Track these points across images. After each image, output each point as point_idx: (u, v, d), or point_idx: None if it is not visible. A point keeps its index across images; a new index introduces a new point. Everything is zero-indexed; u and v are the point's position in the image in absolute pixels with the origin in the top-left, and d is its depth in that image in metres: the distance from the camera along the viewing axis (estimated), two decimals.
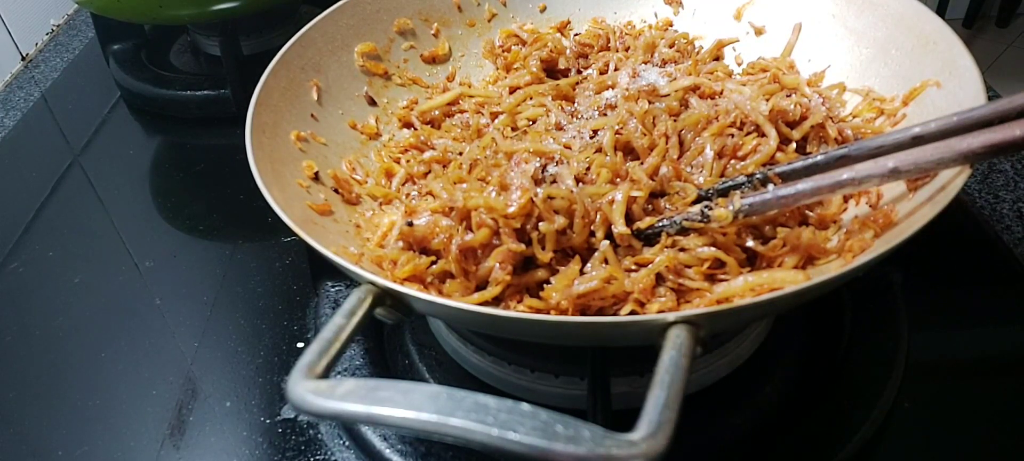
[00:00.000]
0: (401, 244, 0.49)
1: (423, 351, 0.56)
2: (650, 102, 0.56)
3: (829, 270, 0.45)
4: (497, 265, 0.46)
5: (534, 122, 0.60)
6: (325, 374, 0.34)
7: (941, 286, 0.59)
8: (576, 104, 0.61)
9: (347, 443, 0.51)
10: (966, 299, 0.58)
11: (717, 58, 0.66)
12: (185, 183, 0.79)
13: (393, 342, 0.58)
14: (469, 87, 0.69)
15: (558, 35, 0.70)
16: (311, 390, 0.33)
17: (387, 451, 0.49)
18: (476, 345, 0.52)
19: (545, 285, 0.46)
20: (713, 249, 0.46)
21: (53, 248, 0.71)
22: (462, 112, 0.64)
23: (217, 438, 0.53)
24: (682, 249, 0.47)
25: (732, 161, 0.52)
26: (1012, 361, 0.53)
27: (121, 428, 0.54)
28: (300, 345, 0.58)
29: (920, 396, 0.50)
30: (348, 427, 0.51)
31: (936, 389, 0.52)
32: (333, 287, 0.60)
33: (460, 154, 0.58)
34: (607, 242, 0.47)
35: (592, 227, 0.48)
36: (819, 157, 0.48)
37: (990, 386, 0.52)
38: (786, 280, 0.44)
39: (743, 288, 0.45)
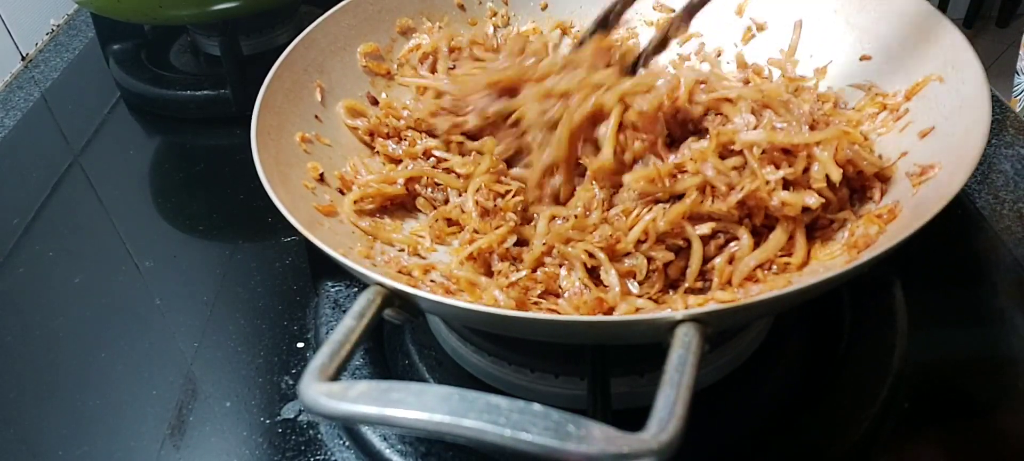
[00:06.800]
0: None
1: (423, 351, 0.56)
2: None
3: (836, 266, 0.45)
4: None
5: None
6: (336, 376, 0.34)
7: (941, 286, 0.59)
8: None
9: (347, 443, 0.51)
10: (966, 299, 0.58)
11: (718, 54, 0.66)
12: (185, 183, 0.79)
13: (393, 342, 0.57)
14: None
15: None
16: (324, 393, 0.33)
17: (387, 451, 0.49)
18: (476, 345, 0.52)
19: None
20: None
21: (53, 248, 0.71)
22: None
23: (217, 438, 0.53)
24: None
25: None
26: (1011, 361, 0.53)
27: (121, 428, 0.54)
28: (300, 345, 0.58)
29: (919, 396, 0.50)
30: (348, 427, 0.51)
31: (935, 389, 0.51)
32: (333, 287, 0.60)
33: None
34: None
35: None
36: None
37: (989, 386, 0.52)
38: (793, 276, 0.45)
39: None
